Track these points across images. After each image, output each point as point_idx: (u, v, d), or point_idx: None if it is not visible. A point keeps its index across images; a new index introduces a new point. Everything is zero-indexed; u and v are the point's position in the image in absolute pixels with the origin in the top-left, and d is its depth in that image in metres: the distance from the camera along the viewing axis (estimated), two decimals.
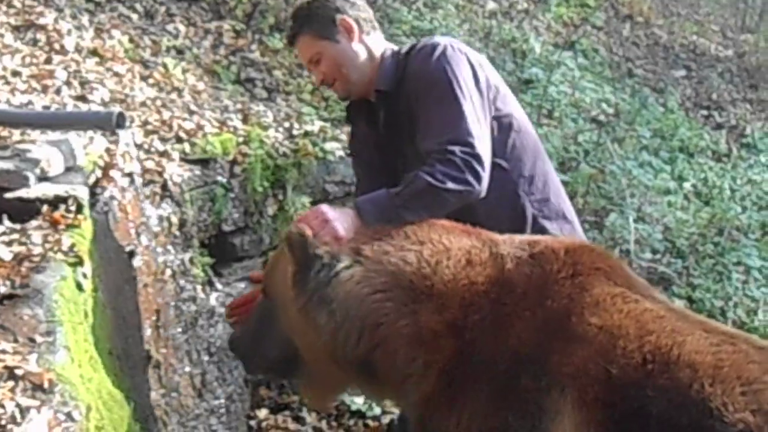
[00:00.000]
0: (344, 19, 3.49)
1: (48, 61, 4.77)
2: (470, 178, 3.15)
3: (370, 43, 3.57)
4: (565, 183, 7.65)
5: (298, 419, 5.14)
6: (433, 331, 2.74)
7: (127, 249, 3.52)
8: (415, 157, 3.33)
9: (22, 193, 3.09)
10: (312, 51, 3.53)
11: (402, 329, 2.77)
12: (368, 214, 3.03)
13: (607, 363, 2.49)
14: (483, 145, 3.22)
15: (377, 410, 5.22)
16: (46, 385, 2.29)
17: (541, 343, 2.62)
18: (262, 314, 3.18)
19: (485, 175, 3.19)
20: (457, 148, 3.15)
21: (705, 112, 11.27)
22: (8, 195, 3.07)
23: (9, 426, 2.13)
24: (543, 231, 3.49)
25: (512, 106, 3.61)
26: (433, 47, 3.43)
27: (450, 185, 3.12)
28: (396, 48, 3.65)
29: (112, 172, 3.58)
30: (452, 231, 2.97)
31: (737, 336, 2.64)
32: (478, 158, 3.17)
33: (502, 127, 3.50)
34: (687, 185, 8.69)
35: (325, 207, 3.06)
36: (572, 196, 7.58)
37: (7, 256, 2.80)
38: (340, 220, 2.98)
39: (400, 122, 3.51)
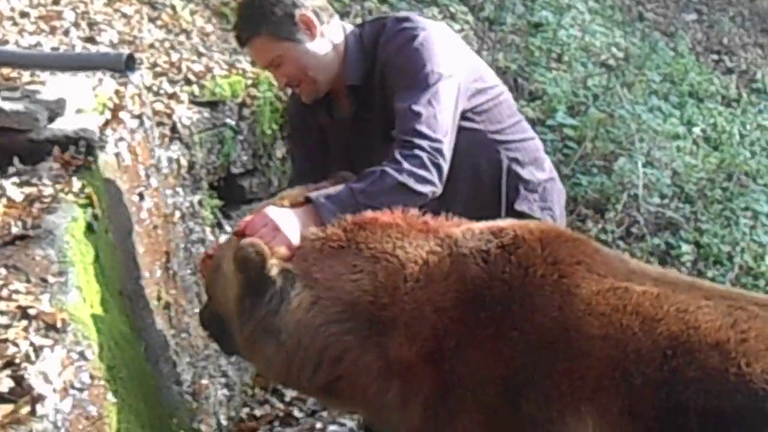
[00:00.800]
0: (303, 14, 3.31)
1: (56, 2, 4.75)
2: (435, 179, 3.12)
3: (332, 35, 3.41)
4: (573, 127, 7.68)
5: None
6: (406, 362, 2.63)
7: (137, 191, 3.53)
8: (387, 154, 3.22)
9: (32, 134, 3.10)
10: (272, 54, 3.35)
11: (370, 363, 2.67)
12: (328, 212, 2.91)
13: (624, 374, 2.38)
14: (449, 140, 3.19)
15: None
16: (59, 324, 2.32)
17: (540, 367, 2.50)
18: (213, 312, 3.11)
19: (445, 172, 3.15)
20: (425, 143, 3.10)
21: (715, 57, 11.21)
22: (19, 137, 3.09)
23: (23, 364, 2.16)
24: (518, 177, 3.51)
25: (489, 79, 3.58)
26: (410, 36, 3.31)
27: (418, 187, 3.07)
28: (355, 30, 3.50)
29: (122, 114, 3.58)
30: (407, 233, 2.82)
31: (738, 297, 2.55)
32: (443, 155, 3.13)
33: (480, 95, 3.46)
34: (696, 130, 8.66)
35: (272, 211, 2.89)
36: (580, 141, 7.62)
37: (19, 197, 2.82)
38: (291, 225, 2.85)
39: (372, 118, 3.44)
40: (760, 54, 11.75)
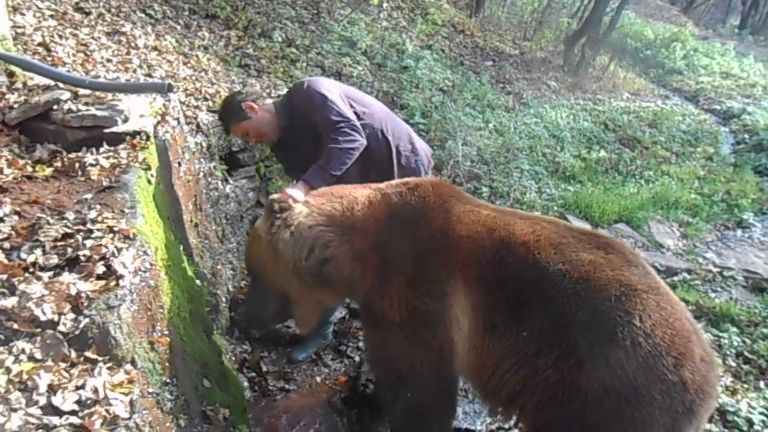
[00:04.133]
0: (246, 103, 3.42)
1: (128, 53, 4.58)
2: (358, 137, 3.19)
3: (267, 107, 3.47)
4: (424, 124, 7.71)
5: None
6: (363, 251, 2.64)
7: (177, 161, 3.47)
8: (318, 152, 3.28)
9: (114, 129, 3.01)
10: (242, 131, 3.47)
11: (345, 252, 2.66)
12: (314, 182, 3.00)
13: (475, 257, 2.47)
14: (353, 118, 3.25)
15: None
16: (131, 235, 2.30)
17: (433, 250, 2.54)
18: (252, 288, 3.02)
19: (361, 131, 3.23)
20: (343, 123, 3.18)
21: (502, 85, 11.32)
22: (106, 130, 3.00)
23: (111, 258, 2.14)
24: (398, 147, 3.54)
25: (360, 98, 3.54)
26: (301, 84, 3.39)
27: (352, 145, 3.14)
28: (276, 98, 3.55)
29: (167, 117, 3.50)
30: (356, 187, 2.86)
31: (538, 218, 2.62)
32: (355, 124, 3.21)
33: (356, 105, 3.45)
34: (490, 125, 8.79)
35: (289, 190, 3.00)
36: (428, 131, 7.66)
37: (107, 165, 2.76)
38: (299, 194, 2.94)
39: (302, 136, 3.45)
40: (525, 84, 11.92)
